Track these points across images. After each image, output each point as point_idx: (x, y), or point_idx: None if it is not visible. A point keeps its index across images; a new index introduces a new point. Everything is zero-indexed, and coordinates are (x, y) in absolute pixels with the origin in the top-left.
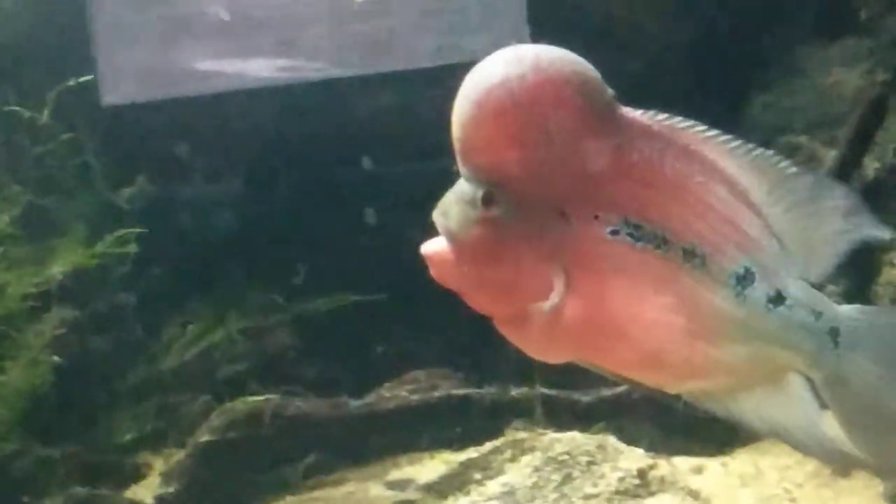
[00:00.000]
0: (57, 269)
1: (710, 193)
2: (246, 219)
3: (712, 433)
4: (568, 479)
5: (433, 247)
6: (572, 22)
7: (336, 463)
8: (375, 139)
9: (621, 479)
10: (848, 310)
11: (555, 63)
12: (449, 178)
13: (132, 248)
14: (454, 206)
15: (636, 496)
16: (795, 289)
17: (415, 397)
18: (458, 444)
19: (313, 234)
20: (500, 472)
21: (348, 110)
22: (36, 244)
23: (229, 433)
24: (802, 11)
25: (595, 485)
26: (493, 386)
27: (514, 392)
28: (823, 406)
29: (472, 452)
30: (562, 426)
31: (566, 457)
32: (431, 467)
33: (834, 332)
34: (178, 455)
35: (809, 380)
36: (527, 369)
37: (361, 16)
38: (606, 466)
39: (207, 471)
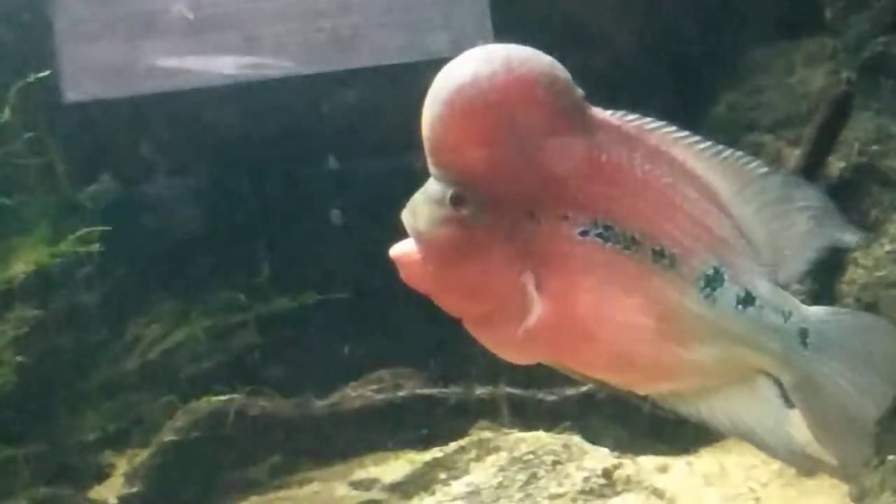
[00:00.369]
0: (19, 268)
1: (679, 194)
2: (209, 217)
3: (677, 433)
4: (533, 478)
5: (401, 249)
6: (535, 21)
7: (301, 463)
8: (339, 137)
9: (586, 479)
10: (817, 311)
11: (525, 63)
12: (413, 176)
13: (95, 246)
14: (423, 205)
15: (601, 496)
16: (765, 290)
17: (379, 397)
18: (423, 443)
19: (277, 233)
20: (466, 471)
21: (312, 108)
22: None
23: (193, 433)
24: (767, 10)
25: (560, 484)
26: (458, 385)
27: (479, 391)
28: (791, 407)
29: (437, 452)
30: (527, 426)
31: (531, 456)
32: (396, 467)
33: (803, 333)
34: (142, 455)
35: (778, 381)
36: (492, 368)
37: (325, 13)
38: (572, 466)
39: (171, 471)
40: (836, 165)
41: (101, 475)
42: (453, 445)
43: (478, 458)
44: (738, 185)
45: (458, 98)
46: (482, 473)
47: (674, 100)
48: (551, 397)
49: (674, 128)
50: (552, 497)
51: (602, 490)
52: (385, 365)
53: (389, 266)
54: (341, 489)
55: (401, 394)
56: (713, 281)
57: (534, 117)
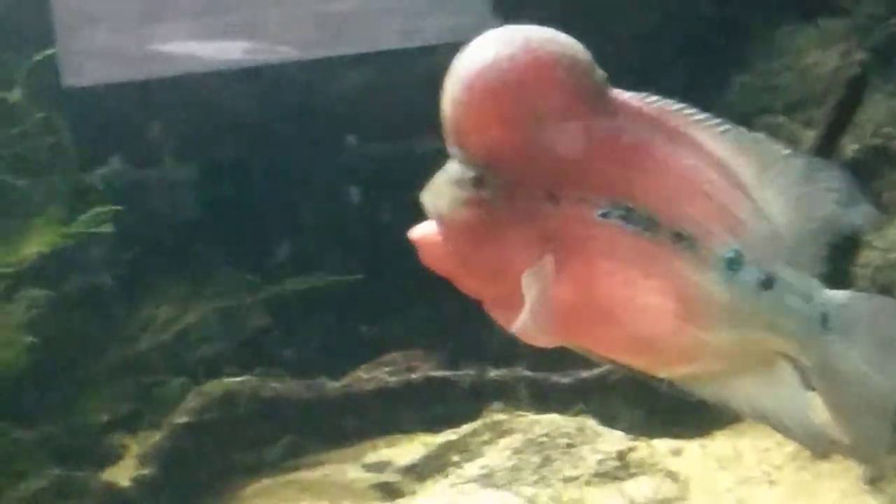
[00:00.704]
0: (31, 250)
1: (700, 176)
2: (219, 200)
3: (691, 415)
4: (547, 461)
5: (421, 231)
6: (537, 3)
7: (313, 445)
8: (347, 120)
9: (601, 462)
10: (838, 294)
11: (545, 44)
12: (421, 159)
13: (107, 227)
14: (443, 187)
15: (615, 478)
16: (785, 273)
17: (392, 379)
18: (437, 426)
19: (288, 215)
20: (479, 454)
21: (317, 91)
22: (8, 224)
23: (205, 415)
24: None
25: (575, 467)
26: (472, 367)
27: (493, 374)
28: (811, 391)
29: (450, 434)
30: (541, 408)
31: (545, 439)
32: (409, 449)
33: (824, 317)
34: (154, 437)
35: (798, 364)
36: (506, 351)
37: None
38: (586, 449)
39: (184, 452)
40: (849, 147)
41: (114, 457)
42: (466, 428)
43: (491, 441)
44: (759, 167)
45: (477, 79)
46: (496, 456)
47: (684, 82)
48: (565, 380)
49: (695, 110)
50: (566, 480)
51: (616, 473)
52: (398, 347)
53: (402, 247)
54: (354, 471)
55: (414, 376)
56: (734, 264)
57: (554, 99)
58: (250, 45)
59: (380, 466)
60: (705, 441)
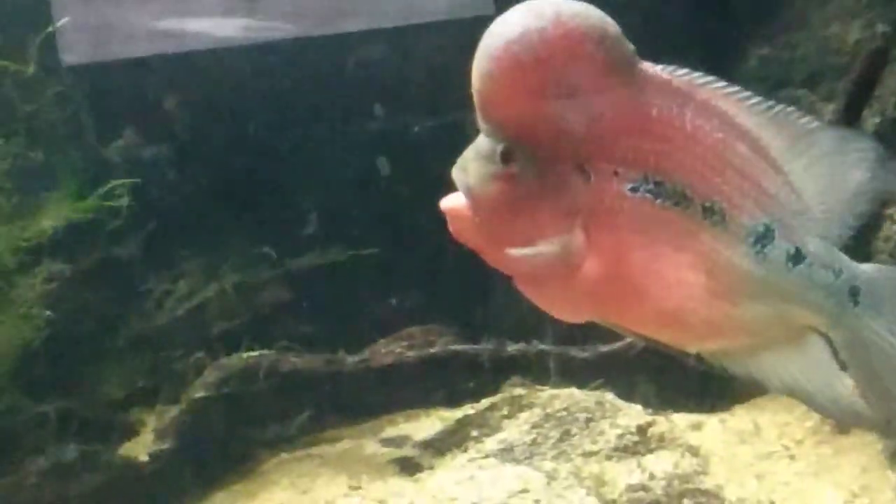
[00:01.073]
0: (48, 223)
1: (730, 149)
2: (237, 174)
3: (710, 390)
4: (566, 435)
5: (452, 202)
6: None
7: (331, 419)
8: (363, 95)
9: (620, 436)
10: (868, 268)
11: (575, 17)
12: (424, 134)
13: (124, 201)
14: (473, 161)
15: (635, 453)
16: (815, 247)
17: (411, 353)
18: (455, 400)
19: (307, 189)
20: (498, 428)
21: (330, 66)
22: (26, 197)
23: (223, 389)
24: None
25: (594, 441)
26: (490, 342)
27: (512, 348)
28: (841, 366)
29: (468, 409)
30: (560, 382)
31: (564, 413)
32: (428, 424)
33: (854, 291)
34: (172, 412)
35: (828, 339)
36: (524, 325)
37: None
38: (605, 423)
39: (201, 427)
40: (870, 120)
41: (131, 432)
42: (485, 402)
43: (510, 416)
44: (789, 139)
45: (507, 54)
46: (515, 430)
47: (705, 54)
48: (584, 354)
49: (724, 83)
50: (586, 454)
51: (636, 447)
52: (416, 321)
53: (421, 221)
54: (372, 446)
55: (432, 350)
56: (763, 238)
57: (584, 72)
58: (256, 22)
59: (398, 441)
60: (725, 416)
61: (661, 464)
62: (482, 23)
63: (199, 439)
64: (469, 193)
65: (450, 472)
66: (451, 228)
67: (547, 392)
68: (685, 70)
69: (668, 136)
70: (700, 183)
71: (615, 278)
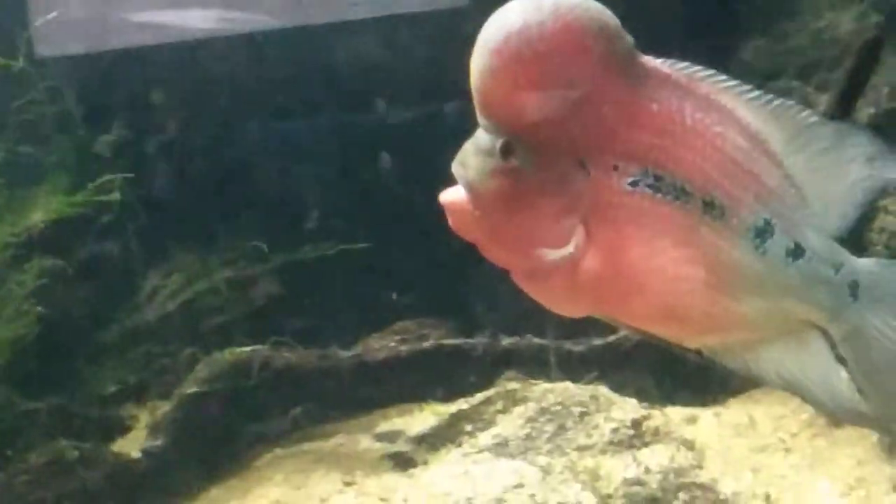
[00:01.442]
0: (39, 218)
1: (729, 144)
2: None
3: (705, 383)
4: (561, 430)
5: (452, 196)
6: None
7: (325, 414)
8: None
9: (615, 430)
10: (867, 262)
11: (574, 10)
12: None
13: (115, 196)
14: (473, 156)
15: (630, 447)
16: (815, 241)
17: (404, 347)
18: (449, 395)
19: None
20: (492, 423)
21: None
22: (16, 192)
23: (216, 384)
24: None
25: (589, 436)
26: (484, 336)
27: (506, 342)
28: (840, 361)
29: (462, 404)
30: (554, 376)
31: (559, 407)
32: (422, 419)
33: (853, 286)
34: (164, 407)
35: (827, 334)
36: (517, 319)
37: None
38: (600, 417)
39: (194, 423)
40: (865, 111)
41: (123, 428)
42: (479, 397)
43: (505, 410)
44: (788, 134)
45: (506, 47)
46: (509, 425)
47: (699, 45)
48: (578, 347)
49: (723, 76)
50: (581, 448)
51: (631, 441)
52: (409, 315)
53: (414, 215)
54: (366, 441)
55: (425, 344)
56: (763, 232)
57: (583, 66)
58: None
59: (392, 436)
60: (720, 409)
61: (656, 458)
62: (458, 15)
63: (191, 435)
64: (469, 188)
65: (444, 467)
66: (450, 222)
67: (541, 386)
68: (685, 64)
69: (668, 131)
70: (700, 177)
71: (615, 273)
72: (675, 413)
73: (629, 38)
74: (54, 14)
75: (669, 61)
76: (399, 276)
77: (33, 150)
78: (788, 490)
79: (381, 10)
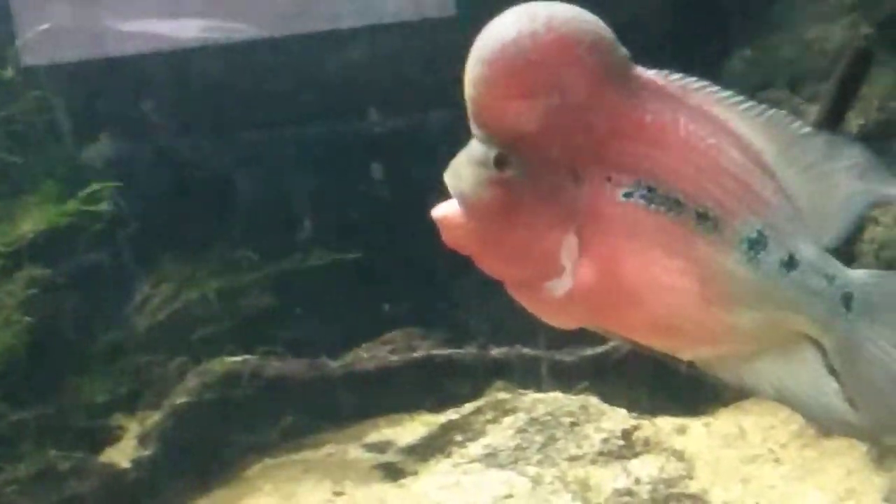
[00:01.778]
0: (28, 228)
1: (723, 155)
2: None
3: (694, 393)
4: (551, 440)
5: (444, 210)
6: None
7: (315, 424)
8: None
9: (605, 440)
10: (861, 274)
11: (568, 21)
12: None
13: (104, 205)
14: (466, 167)
15: (620, 457)
16: (808, 253)
17: (394, 358)
18: (439, 405)
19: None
20: (482, 433)
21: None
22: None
23: (206, 394)
24: None
25: (579, 446)
26: (474, 346)
27: (495, 352)
28: (832, 372)
29: (452, 414)
30: (545, 387)
31: (549, 418)
32: (411, 429)
33: (847, 298)
34: (154, 417)
35: (820, 346)
36: (507, 329)
37: None
38: (590, 427)
39: (184, 433)
40: (855, 122)
41: (112, 438)
42: (469, 407)
43: (494, 420)
44: (781, 145)
45: (500, 58)
46: (499, 435)
47: (687, 56)
48: (568, 358)
49: (717, 88)
50: (571, 459)
51: (621, 451)
52: (399, 325)
53: (404, 225)
54: (355, 451)
55: (415, 355)
56: (757, 244)
57: (577, 77)
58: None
59: (381, 446)
60: (709, 419)
61: (646, 468)
62: (445, 24)
63: (181, 445)
64: (463, 199)
65: (434, 478)
66: (443, 237)
67: (531, 396)
68: (679, 75)
69: (662, 142)
70: (693, 189)
71: (608, 285)
72: (665, 423)
73: (623, 50)
74: (42, 23)
75: (663, 73)
76: (390, 286)
77: (22, 160)
78: (778, 501)
79: (370, 20)
